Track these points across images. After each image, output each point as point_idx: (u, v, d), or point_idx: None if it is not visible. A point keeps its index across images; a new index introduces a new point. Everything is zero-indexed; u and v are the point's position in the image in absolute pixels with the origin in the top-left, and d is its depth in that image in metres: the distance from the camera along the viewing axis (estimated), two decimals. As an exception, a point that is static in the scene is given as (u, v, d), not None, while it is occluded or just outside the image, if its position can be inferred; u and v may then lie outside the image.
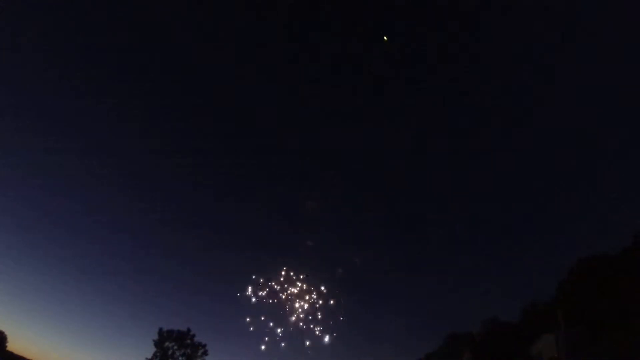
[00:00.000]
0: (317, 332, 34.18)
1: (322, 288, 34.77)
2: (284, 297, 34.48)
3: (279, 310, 34.53)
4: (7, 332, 59.47)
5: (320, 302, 34.46)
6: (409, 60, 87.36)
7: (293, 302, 34.48)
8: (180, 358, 53.55)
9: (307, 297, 34.65)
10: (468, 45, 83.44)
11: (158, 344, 53.23)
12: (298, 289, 34.69)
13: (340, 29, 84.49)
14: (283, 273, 35.05)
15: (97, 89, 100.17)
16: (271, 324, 34.40)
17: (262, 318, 34.36)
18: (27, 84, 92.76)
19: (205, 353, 54.72)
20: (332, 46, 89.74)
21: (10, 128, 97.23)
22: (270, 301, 34.47)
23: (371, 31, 79.69)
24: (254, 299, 34.33)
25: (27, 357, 65.83)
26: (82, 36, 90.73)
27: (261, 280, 34.63)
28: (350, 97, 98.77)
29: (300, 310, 34.37)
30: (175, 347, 53.69)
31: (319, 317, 34.17)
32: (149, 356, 52.86)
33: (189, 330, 54.92)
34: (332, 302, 34.54)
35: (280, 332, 34.31)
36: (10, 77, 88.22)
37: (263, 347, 34.46)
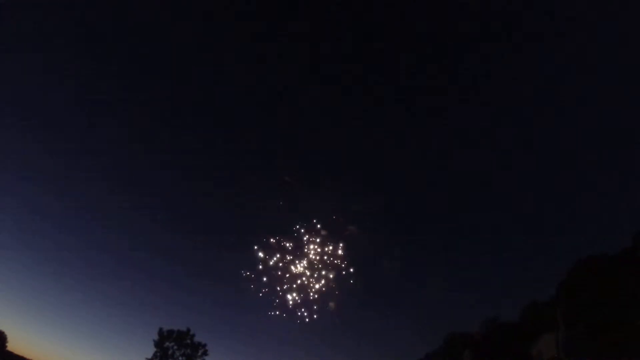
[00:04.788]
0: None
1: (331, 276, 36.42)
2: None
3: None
4: (7, 332, 59.50)
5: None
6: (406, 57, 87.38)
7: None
8: (180, 358, 53.57)
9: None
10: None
11: (158, 344, 53.26)
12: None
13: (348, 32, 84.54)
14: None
15: (96, 89, 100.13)
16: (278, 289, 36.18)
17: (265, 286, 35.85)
18: (26, 84, 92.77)
19: (205, 353, 54.75)
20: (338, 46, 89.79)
21: (9, 128, 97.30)
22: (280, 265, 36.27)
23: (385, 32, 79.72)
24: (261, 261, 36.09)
25: (27, 357, 65.93)
26: (80, 35, 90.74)
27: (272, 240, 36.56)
28: (348, 97, 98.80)
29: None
30: (175, 347, 53.72)
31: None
32: (149, 356, 52.90)
33: (189, 330, 54.93)
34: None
35: (291, 299, 35.93)
36: (9, 77, 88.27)
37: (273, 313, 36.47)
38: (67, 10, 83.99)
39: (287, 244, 38.09)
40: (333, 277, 38.43)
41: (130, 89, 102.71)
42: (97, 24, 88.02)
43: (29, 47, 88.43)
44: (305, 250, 38.47)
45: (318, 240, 38.53)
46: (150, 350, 53.29)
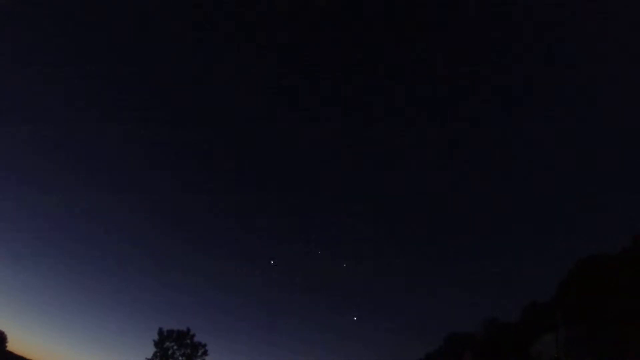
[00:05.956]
0: None
1: None
2: None
3: None
4: (7, 332, 59.36)
5: None
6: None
7: None
8: (180, 358, 53.48)
9: None
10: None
11: (158, 344, 53.18)
12: None
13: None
14: None
15: (99, 91, 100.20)
16: None
17: None
18: (27, 85, 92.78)
19: (205, 353, 54.67)
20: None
21: (9, 128, 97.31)
22: None
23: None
24: None
25: (27, 357, 65.84)
26: (81, 37, 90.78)
27: None
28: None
29: None
30: (175, 347, 53.62)
31: None
32: (149, 356, 52.82)
33: (189, 330, 54.85)
34: None
35: None
36: (10, 78, 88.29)
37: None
38: (68, 12, 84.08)
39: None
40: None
41: (136, 94, 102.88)
42: (98, 26, 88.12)
43: (30, 49, 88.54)
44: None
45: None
46: (150, 350, 53.23)
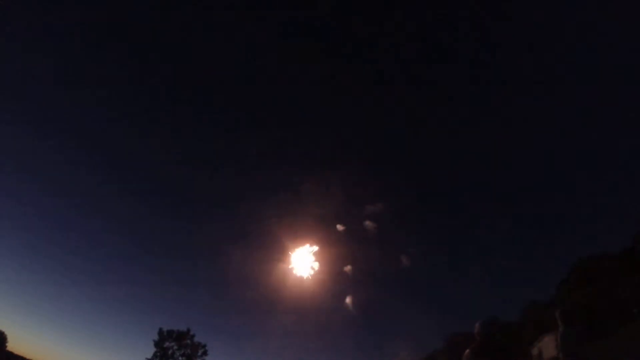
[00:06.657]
0: None
1: None
2: None
3: None
4: (7, 332, 59.34)
5: None
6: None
7: None
8: (180, 358, 53.53)
9: None
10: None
11: (158, 344, 53.23)
12: None
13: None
14: None
15: (98, 90, 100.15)
16: None
17: None
18: (27, 85, 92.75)
19: (205, 353, 54.71)
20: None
21: (9, 128, 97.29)
22: None
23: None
24: None
25: (27, 357, 65.81)
26: (81, 36, 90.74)
27: None
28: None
29: None
30: (175, 347, 53.68)
31: None
32: (149, 356, 52.89)
33: (189, 330, 54.91)
34: None
35: None
36: (10, 78, 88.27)
37: None
38: (67, 9, 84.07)
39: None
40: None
41: (136, 94, 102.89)
42: (95, 22, 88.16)
43: (29, 47, 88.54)
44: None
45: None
46: (150, 350, 53.28)
